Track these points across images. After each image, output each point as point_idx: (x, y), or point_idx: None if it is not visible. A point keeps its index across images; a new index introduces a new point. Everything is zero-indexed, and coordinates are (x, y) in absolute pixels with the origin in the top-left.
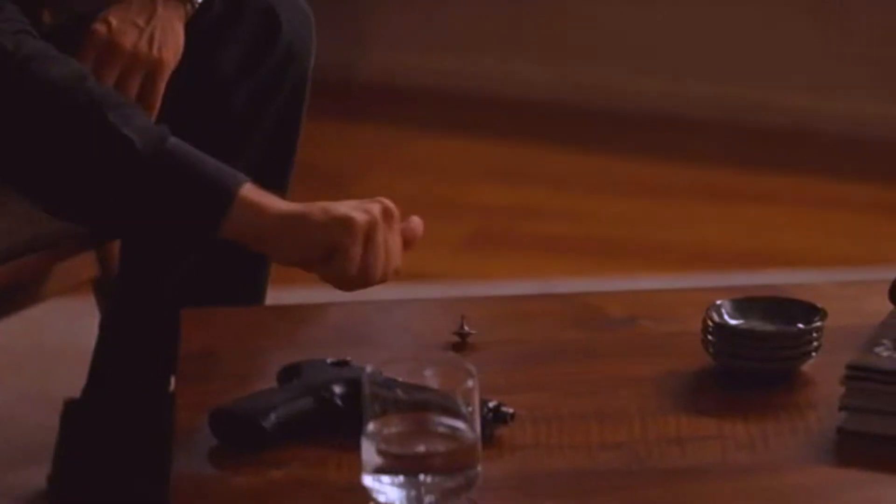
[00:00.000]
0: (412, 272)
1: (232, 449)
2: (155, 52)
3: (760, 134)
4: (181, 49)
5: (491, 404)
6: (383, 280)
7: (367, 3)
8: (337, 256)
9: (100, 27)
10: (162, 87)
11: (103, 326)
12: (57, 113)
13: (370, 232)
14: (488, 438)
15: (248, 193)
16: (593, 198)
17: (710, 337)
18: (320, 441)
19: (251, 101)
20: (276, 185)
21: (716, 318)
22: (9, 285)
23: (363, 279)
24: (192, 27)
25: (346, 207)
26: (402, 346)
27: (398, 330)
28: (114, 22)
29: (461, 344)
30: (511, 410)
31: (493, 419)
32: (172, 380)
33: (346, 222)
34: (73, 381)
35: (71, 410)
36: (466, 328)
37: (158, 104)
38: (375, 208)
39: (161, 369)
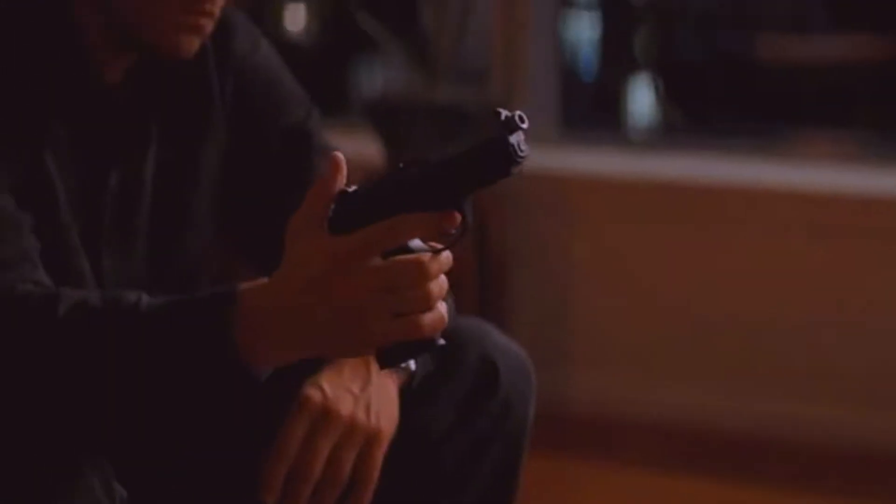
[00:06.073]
0: None
1: None
2: (373, 421)
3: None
4: (397, 417)
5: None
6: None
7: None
8: None
9: (314, 393)
10: (380, 458)
11: None
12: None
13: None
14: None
15: None
16: None
17: None
18: None
19: (463, 458)
20: None
21: None
22: None
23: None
24: (405, 387)
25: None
26: None
27: None
28: (328, 388)
29: None
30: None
31: None
32: None
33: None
34: None
35: None
36: None
37: (376, 476)
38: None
39: None
